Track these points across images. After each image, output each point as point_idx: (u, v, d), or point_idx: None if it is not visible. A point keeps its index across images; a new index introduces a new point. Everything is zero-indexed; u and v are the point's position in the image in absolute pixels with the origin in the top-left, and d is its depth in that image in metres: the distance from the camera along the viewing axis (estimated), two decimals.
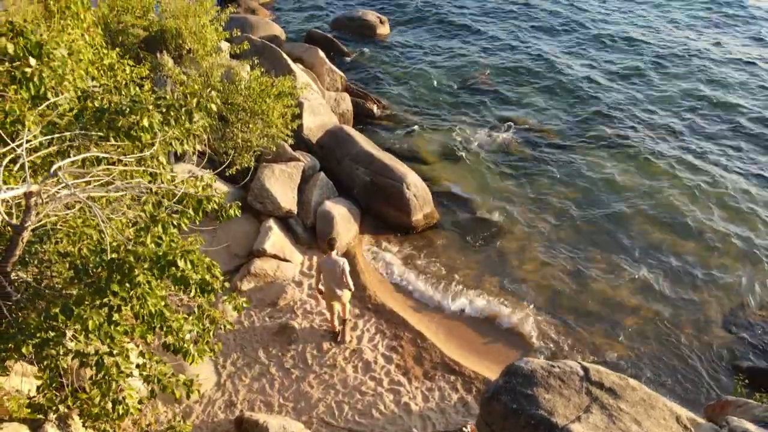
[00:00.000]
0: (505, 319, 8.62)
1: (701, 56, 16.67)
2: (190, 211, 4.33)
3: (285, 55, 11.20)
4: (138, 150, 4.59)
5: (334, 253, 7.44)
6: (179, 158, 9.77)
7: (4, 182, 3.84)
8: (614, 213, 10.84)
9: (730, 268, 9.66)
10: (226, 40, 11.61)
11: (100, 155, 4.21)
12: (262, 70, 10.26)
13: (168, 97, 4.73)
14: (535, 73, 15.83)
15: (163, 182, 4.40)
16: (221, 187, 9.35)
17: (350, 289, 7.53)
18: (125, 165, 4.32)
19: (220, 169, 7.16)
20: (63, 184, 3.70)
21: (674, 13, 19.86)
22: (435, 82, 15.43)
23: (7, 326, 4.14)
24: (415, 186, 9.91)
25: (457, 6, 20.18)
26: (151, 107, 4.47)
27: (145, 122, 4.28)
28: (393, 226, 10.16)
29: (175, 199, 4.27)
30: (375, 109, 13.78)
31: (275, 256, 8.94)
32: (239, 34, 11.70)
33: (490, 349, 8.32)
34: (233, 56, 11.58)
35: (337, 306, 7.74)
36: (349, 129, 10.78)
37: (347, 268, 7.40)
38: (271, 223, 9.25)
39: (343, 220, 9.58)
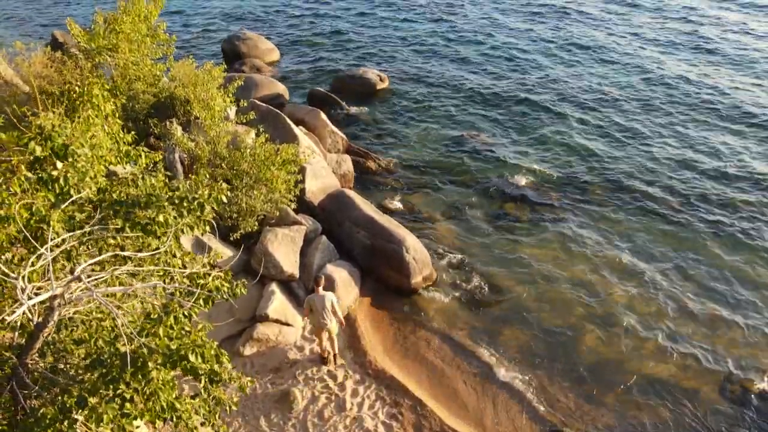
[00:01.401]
0: (507, 382, 8.73)
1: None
2: (201, 302, 4.57)
3: (288, 120, 11.67)
4: (154, 238, 4.88)
5: (320, 288, 8.34)
6: None
7: (29, 279, 4.09)
8: (617, 274, 11.09)
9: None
10: (235, 101, 12.14)
11: (119, 254, 4.47)
12: (267, 136, 10.69)
13: (181, 187, 5.03)
14: (535, 131, 16.36)
15: (176, 276, 4.65)
16: (225, 252, 9.61)
17: (341, 323, 8.42)
18: (141, 261, 4.59)
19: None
20: (84, 286, 3.95)
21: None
22: (434, 140, 15.92)
23: (24, 416, 4.31)
24: (414, 249, 10.17)
25: (457, 62, 20.93)
26: (166, 204, 4.78)
27: (161, 218, 4.57)
28: (393, 288, 10.38)
29: (186, 294, 4.51)
30: (375, 167, 14.19)
31: (277, 321, 9.11)
32: (244, 103, 12.23)
33: (491, 414, 8.40)
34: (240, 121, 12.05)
35: (325, 335, 8.53)
36: (350, 192, 11.13)
37: (335, 301, 8.32)
38: (274, 287, 9.47)
39: (344, 284, 9.79)
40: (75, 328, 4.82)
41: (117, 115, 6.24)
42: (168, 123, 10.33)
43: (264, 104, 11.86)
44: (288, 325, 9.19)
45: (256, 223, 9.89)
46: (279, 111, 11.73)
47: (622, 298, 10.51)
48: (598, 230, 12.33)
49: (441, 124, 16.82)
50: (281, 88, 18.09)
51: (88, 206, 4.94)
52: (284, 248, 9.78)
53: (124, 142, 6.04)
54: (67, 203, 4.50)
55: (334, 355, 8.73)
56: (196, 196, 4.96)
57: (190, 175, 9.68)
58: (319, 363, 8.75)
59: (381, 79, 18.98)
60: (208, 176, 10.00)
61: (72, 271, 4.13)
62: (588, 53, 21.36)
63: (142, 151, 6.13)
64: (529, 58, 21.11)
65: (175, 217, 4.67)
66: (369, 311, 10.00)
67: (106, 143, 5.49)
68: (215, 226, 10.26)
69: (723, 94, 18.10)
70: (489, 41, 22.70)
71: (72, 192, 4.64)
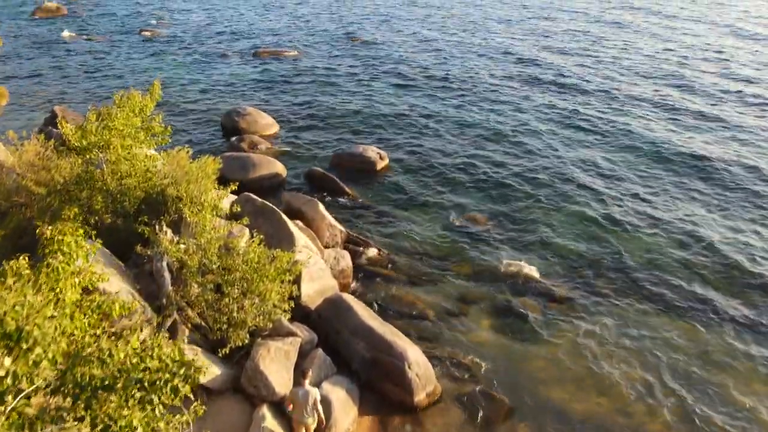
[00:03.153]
0: None
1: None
2: None
3: (284, 217, 11.18)
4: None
5: (306, 382, 8.29)
6: (171, 334, 9.36)
7: None
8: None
9: None
10: (232, 192, 11.69)
11: None
12: (261, 237, 10.16)
13: (152, 367, 4.38)
14: (541, 217, 15.88)
15: None
16: (212, 369, 8.87)
17: (321, 422, 8.30)
18: None
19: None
20: None
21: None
22: (435, 225, 15.43)
23: None
24: (417, 364, 9.44)
25: (460, 140, 20.74)
26: (135, 390, 4.13)
27: (123, 423, 3.91)
28: (394, 405, 9.57)
29: None
30: (374, 257, 13.61)
31: None
32: (233, 186, 11.76)
33: None
34: (233, 215, 11.55)
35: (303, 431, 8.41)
36: (348, 298, 10.49)
37: (318, 398, 8.25)
38: (265, 411, 8.66)
39: (342, 405, 9.01)
40: None
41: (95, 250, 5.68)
42: (157, 226, 9.81)
43: (259, 199, 11.40)
44: None
45: (247, 336, 9.19)
46: (275, 207, 11.26)
47: (651, 418, 9.68)
48: (615, 329, 11.62)
49: (442, 207, 16.36)
50: (279, 167, 17.79)
51: (46, 391, 4.29)
52: (277, 365, 9.03)
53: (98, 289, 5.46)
54: (12, 405, 3.85)
55: None
56: (170, 377, 4.31)
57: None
58: None
59: (381, 157, 18.70)
60: (197, 284, 9.41)
61: None
62: (594, 132, 21.23)
63: (116, 302, 5.54)
64: (534, 138, 20.95)
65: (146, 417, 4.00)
66: None
67: (71, 306, 4.88)
68: (202, 332, 9.63)
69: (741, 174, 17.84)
70: (491, 119, 22.67)
71: (24, 382, 4.00)
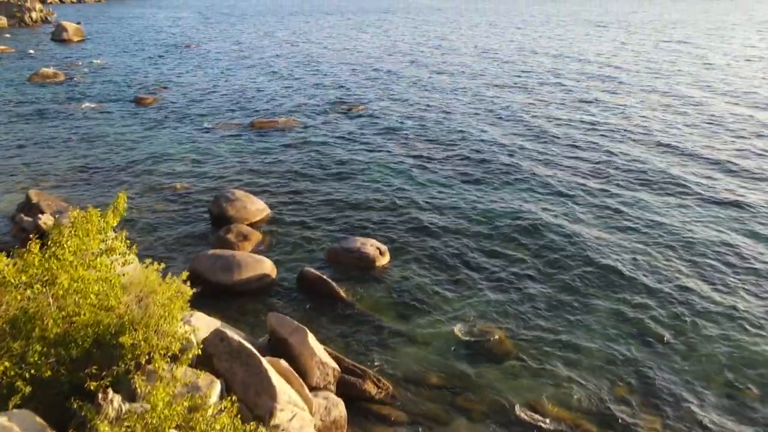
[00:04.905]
0: None
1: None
2: None
3: (265, 364, 9.24)
4: None
5: None
6: None
7: None
8: None
9: None
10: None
11: None
12: (235, 400, 8.24)
13: None
14: (566, 328, 13.95)
15: None
16: None
17: None
18: None
19: None
20: None
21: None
22: (444, 341, 13.46)
23: None
24: None
25: (471, 234, 19.04)
26: None
27: None
28: None
29: None
30: (374, 391, 11.60)
31: None
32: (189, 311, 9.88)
33: None
34: (201, 358, 9.64)
35: None
36: None
37: None
38: None
39: None
40: None
41: None
42: (100, 394, 7.86)
43: (236, 338, 9.54)
44: None
45: None
46: (253, 350, 9.36)
47: None
48: None
49: (451, 315, 14.45)
50: (268, 266, 16.02)
51: None
52: None
53: None
54: None
55: None
56: None
57: None
58: None
59: (381, 253, 16.95)
60: None
61: None
62: (625, 217, 19.53)
63: None
64: (557, 228, 19.24)
65: None
66: None
67: None
68: None
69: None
70: (505, 206, 21.09)
71: None
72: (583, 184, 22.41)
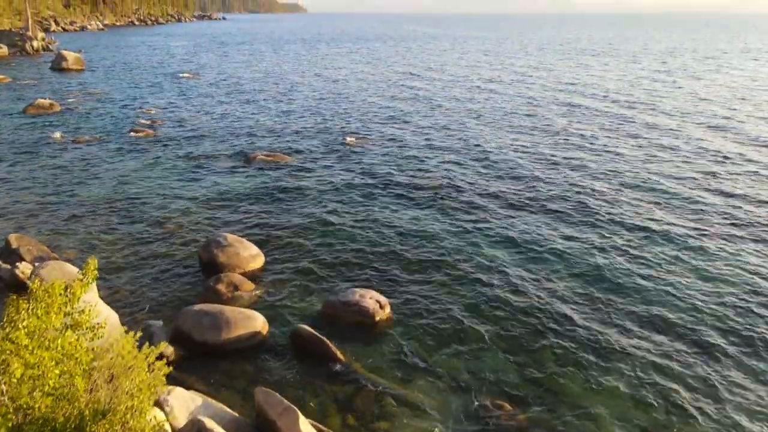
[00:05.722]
0: None
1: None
2: None
3: None
4: None
5: None
6: None
7: None
8: None
9: None
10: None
11: None
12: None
13: None
14: (594, 408, 12.66)
15: None
16: None
17: None
18: None
19: None
20: None
21: None
22: (456, 413, 12.13)
23: None
24: None
25: (480, 284, 17.87)
26: None
27: None
28: None
29: None
30: None
31: None
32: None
33: None
34: None
35: None
36: None
37: None
38: None
39: None
40: None
41: None
42: None
43: (215, 429, 8.33)
44: None
45: None
46: None
47: None
48: None
49: (459, 382, 13.13)
50: (260, 322, 14.81)
51: None
52: None
53: None
54: None
55: None
56: None
57: None
58: None
59: (381, 306, 15.73)
60: None
61: None
62: (655, 276, 18.35)
63: None
64: (579, 282, 18.08)
65: None
66: None
67: None
68: None
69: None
70: (516, 255, 19.97)
71: None
72: (602, 248, 21.32)
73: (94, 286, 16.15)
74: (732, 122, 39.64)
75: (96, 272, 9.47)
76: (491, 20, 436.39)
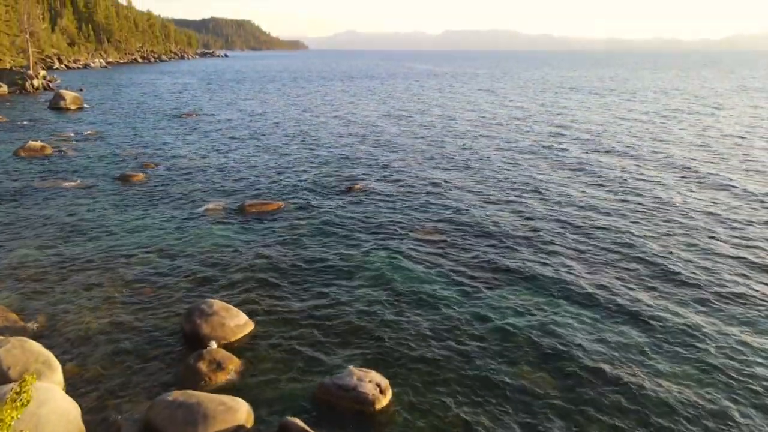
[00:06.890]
0: None
1: None
2: None
3: None
4: None
5: None
6: None
7: None
8: None
9: None
10: None
11: None
12: None
13: None
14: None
15: None
16: None
17: None
18: None
19: None
20: None
21: None
22: None
23: None
24: None
25: (493, 361, 16.04)
26: None
27: None
28: None
29: None
30: None
31: None
32: None
33: None
34: None
35: None
36: None
37: None
38: None
39: None
40: None
41: None
42: None
43: None
44: None
45: None
46: None
47: None
48: None
49: None
50: (243, 413, 12.95)
51: None
52: None
53: None
54: None
55: None
56: None
57: None
58: None
59: (381, 390, 13.87)
60: None
61: None
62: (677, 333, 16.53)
63: None
64: (597, 356, 16.26)
65: None
66: None
67: None
68: None
69: None
70: (532, 320, 18.18)
71: None
72: (613, 296, 19.61)
73: (58, 369, 14.35)
74: None
75: (30, 395, 7.75)
76: (486, 57, 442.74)
